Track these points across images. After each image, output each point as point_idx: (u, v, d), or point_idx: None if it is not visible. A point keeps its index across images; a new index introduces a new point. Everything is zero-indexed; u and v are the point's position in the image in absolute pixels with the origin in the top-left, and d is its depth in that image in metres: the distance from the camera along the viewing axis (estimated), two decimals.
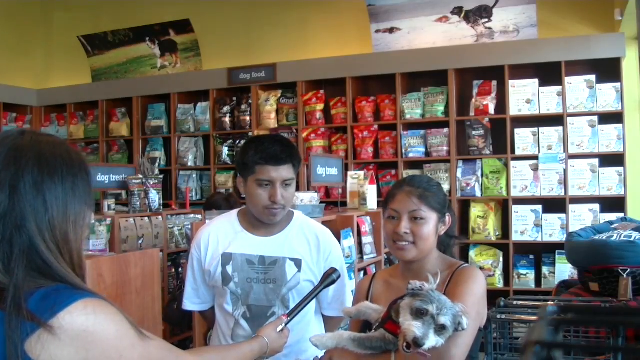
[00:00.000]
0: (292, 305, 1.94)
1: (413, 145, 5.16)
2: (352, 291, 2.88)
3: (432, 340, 1.40)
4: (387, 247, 1.75)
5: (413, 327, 1.40)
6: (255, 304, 1.96)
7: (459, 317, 1.42)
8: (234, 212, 2.11)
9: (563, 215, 4.68)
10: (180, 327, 3.82)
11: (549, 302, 2.63)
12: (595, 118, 4.65)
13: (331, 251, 2.05)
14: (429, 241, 1.64)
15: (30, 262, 1.06)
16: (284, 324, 1.65)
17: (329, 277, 1.79)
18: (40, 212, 1.08)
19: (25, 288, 1.03)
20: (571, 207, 4.67)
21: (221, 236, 2.03)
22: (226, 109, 5.82)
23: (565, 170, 4.68)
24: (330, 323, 2.14)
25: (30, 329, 1.00)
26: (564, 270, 4.55)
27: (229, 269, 1.97)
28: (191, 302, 2.12)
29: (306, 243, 2.02)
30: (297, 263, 1.98)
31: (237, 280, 1.97)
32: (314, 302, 2.04)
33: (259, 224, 2.01)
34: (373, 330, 1.55)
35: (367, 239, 3.39)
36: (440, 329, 1.40)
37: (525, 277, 4.78)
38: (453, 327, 1.42)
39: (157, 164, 5.76)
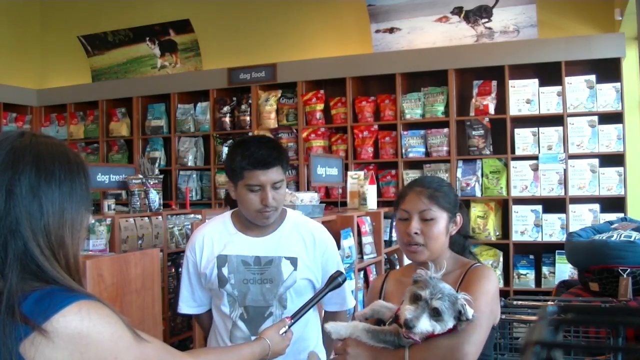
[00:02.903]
0: (289, 305, 1.94)
1: (413, 145, 5.16)
2: (351, 291, 2.89)
3: (426, 324, 1.41)
4: (400, 249, 1.75)
5: (405, 310, 1.42)
6: (252, 305, 1.96)
7: (460, 305, 1.42)
8: (227, 214, 2.10)
9: (563, 215, 4.68)
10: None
11: (549, 302, 2.63)
12: (595, 118, 4.64)
13: (327, 246, 2.06)
14: (439, 241, 1.64)
15: (24, 267, 1.06)
16: (287, 327, 1.63)
17: (335, 280, 1.78)
18: (35, 217, 1.08)
19: (20, 291, 1.03)
20: (571, 207, 4.67)
21: (215, 238, 2.02)
22: (226, 109, 5.83)
23: (565, 170, 4.68)
24: (331, 318, 2.12)
25: (24, 332, 1.00)
26: (564, 270, 4.55)
27: (225, 270, 1.96)
28: (187, 306, 2.11)
29: (301, 241, 2.02)
30: (293, 261, 1.98)
31: (233, 282, 1.96)
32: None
33: (253, 225, 2.00)
34: (387, 325, 1.55)
35: (367, 239, 3.39)
36: (435, 313, 1.41)
37: (525, 277, 4.78)
38: (452, 314, 1.42)
39: (157, 164, 5.76)
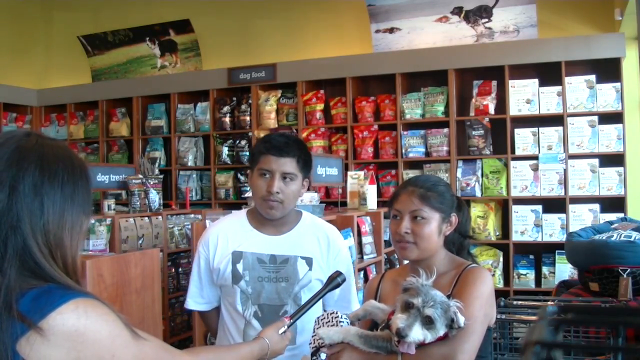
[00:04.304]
0: (301, 303, 1.94)
1: (413, 145, 5.16)
2: None
3: (419, 333, 1.40)
4: (393, 247, 1.75)
5: (397, 319, 1.42)
6: (267, 303, 1.96)
7: (452, 312, 1.41)
8: (243, 211, 2.12)
9: (563, 215, 4.68)
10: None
11: (549, 302, 2.63)
12: (595, 118, 4.64)
13: (340, 249, 2.07)
14: (430, 241, 1.64)
15: (23, 263, 1.06)
16: (286, 326, 1.63)
17: (334, 281, 1.78)
18: (36, 215, 1.08)
19: (17, 288, 1.03)
20: (571, 207, 4.67)
21: (230, 235, 2.02)
22: (226, 109, 5.82)
23: (565, 170, 4.67)
24: None
25: (21, 330, 1.01)
26: (564, 270, 4.55)
27: (240, 267, 1.97)
28: (194, 302, 2.11)
29: (316, 242, 2.03)
30: (309, 261, 1.98)
31: (247, 279, 1.96)
32: (320, 303, 2.04)
33: (268, 223, 2.01)
34: (379, 330, 1.55)
35: (367, 239, 3.39)
36: (428, 321, 1.40)
37: (525, 277, 4.78)
38: (444, 322, 1.41)
39: (157, 164, 5.76)
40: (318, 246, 2.02)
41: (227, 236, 2.02)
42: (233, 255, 1.98)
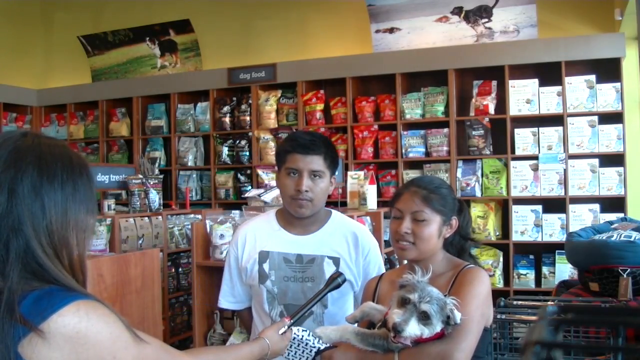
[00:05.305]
0: (330, 305, 1.95)
1: (413, 145, 5.16)
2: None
3: (415, 328, 1.41)
4: (392, 246, 1.77)
5: (394, 314, 1.42)
6: (292, 303, 1.95)
7: (449, 309, 1.41)
8: (272, 211, 2.12)
9: (563, 215, 4.68)
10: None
11: (549, 302, 2.63)
12: (595, 118, 4.64)
13: (370, 249, 2.05)
14: (430, 242, 1.64)
15: (25, 266, 1.06)
16: (286, 326, 1.64)
17: (334, 281, 1.78)
18: (37, 216, 1.08)
19: (19, 291, 1.03)
20: (571, 207, 4.67)
21: (258, 234, 2.03)
22: (226, 109, 5.83)
23: (565, 170, 4.67)
24: None
25: (23, 332, 1.01)
26: (564, 270, 4.55)
27: (266, 266, 1.97)
28: (226, 301, 2.12)
29: (344, 241, 2.01)
30: (336, 261, 1.97)
31: (273, 279, 1.96)
32: (351, 301, 2.03)
33: (296, 222, 2.00)
34: (376, 329, 1.55)
35: None
36: (424, 317, 1.41)
37: (525, 277, 4.78)
38: (440, 318, 1.42)
39: (157, 164, 5.76)
40: (346, 245, 2.01)
41: (255, 235, 2.03)
42: (260, 254, 1.99)
